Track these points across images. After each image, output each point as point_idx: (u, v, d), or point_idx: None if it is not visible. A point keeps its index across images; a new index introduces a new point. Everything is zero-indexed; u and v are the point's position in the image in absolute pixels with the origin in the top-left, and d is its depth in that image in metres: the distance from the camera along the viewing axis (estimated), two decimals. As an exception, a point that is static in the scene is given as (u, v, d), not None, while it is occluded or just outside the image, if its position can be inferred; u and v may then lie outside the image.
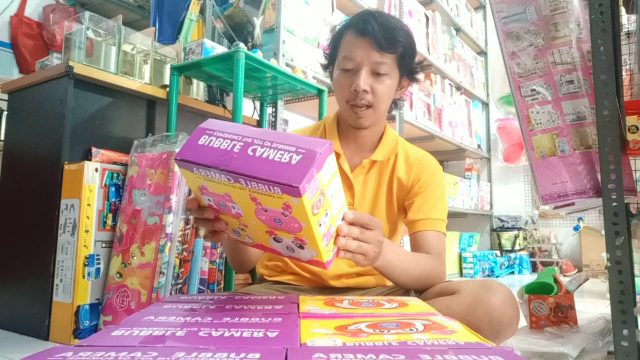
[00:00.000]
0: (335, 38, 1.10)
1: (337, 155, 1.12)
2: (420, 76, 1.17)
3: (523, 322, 1.37)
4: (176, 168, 1.55)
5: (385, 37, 1.00)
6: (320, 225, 0.63)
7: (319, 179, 0.59)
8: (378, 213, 1.12)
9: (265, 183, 0.58)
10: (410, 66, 1.09)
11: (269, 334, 0.56)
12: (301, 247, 0.67)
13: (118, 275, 1.55)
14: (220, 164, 0.61)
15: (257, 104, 2.34)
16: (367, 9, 1.12)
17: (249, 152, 0.61)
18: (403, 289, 1.05)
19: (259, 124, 2.32)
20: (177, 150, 1.57)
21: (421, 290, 1.02)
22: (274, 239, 0.70)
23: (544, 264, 4.17)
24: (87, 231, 1.56)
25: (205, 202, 0.71)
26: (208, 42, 1.94)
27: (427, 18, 3.58)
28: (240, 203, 0.65)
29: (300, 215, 0.60)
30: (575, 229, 4.09)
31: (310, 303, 0.75)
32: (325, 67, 1.17)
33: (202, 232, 1.60)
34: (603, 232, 1.13)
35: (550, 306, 1.47)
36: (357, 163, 1.13)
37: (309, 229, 0.62)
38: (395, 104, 1.16)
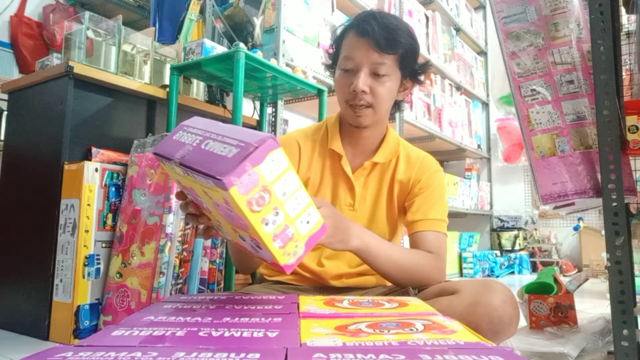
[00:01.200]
0: (337, 38, 1.10)
1: (339, 157, 1.12)
2: (424, 79, 1.17)
3: (523, 322, 1.37)
4: (176, 168, 1.55)
5: (386, 37, 1.00)
6: (266, 224, 0.61)
7: (257, 174, 0.58)
8: (379, 215, 1.12)
9: (202, 175, 0.59)
10: (412, 67, 1.09)
11: (269, 334, 0.56)
12: (259, 247, 0.65)
13: (118, 275, 1.55)
14: (175, 156, 0.64)
15: (257, 104, 2.34)
16: (369, 10, 1.12)
17: (202, 146, 0.63)
18: (398, 286, 1.04)
19: (259, 124, 2.32)
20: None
21: (418, 289, 1.01)
22: (240, 236, 0.69)
23: (544, 264, 4.17)
24: (87, 231, 1.56)
25: (188, 196, 0.73)
26: (208, 42, 1.94)
27: (427, 18, 3.58)
28: (203, 197, 0.67)
29: (239, 212, 0.59)
30: (575, 229, 4.09)
31: (310, 303, 0.75)
32: (328, 67, 1.17)
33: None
34: (603, 232, 1.13)
35: (550, 306, 1.47)
36: (358, 165, 1.13)
37: (253, 227, 0.60)
38: (398, 105, 1.16)
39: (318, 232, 0.68)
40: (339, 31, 1.11)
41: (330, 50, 1.14)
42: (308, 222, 0.66)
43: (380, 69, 1.02)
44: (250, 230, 0.61)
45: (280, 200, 0.62)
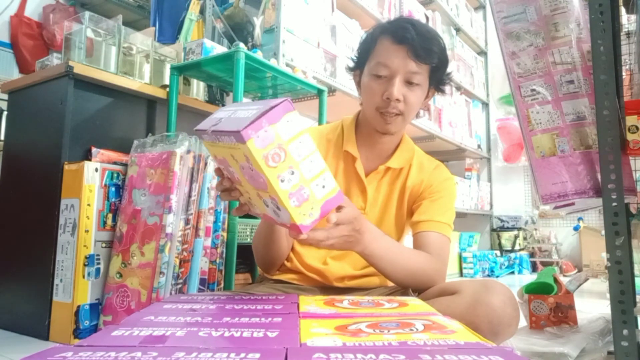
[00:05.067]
0: (368, 41, 1.08)
1: (353, 159, 1.12)
2: (447, 88, 1.16)
3: (523, 322, 1.37)
4: (176, 168, 1.55)
5: (423, 47, 1.00)
6: (282, 180, 0.65)
7: (273, 131, 0.63)
8: (388, 219, 1.13)
9: (227, 135, 0.65)
10: (440, 77, 1.09)
11: (269, 334, 0.56)
12: (278, 208, 0.69)
13: (118, 275, 1.55)
14: (210, 127, 0.69)
15: (257, 104, 2.34)
16: (404, 17, 1.12)
17: (231, 115, 0.69)
18: (401, 288, 1.04)
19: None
20: (177, 150, 1.58)
21: (418, 290, 1.01)
22: (264, 202, 0.72)
23: (544, 264, 4.17)
24: (87, 231, 1.56)
25: (223, 172, 0.79)
26: (208, 42, 1.94)
27: (427, 18, 3.58)
28: (232, 164, 0.72)
29: (257, 167, 0.64)
30: (575, 229, 4.09)
31: (310, 303, 0.75)
32: (350, 69, 1.15)
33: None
34: (603, 232, 1.13)
35: (550, 306, 1.47)
36: (372, 168, 1.13)
37: (270, 184, 0.64)
38: (417, 112, 1.16)
39: (334, 198, 0.71)
40: (369, 34, 1.09)
41: (356, 52, 1.12)
42: (324, 187, 0.69)
43: (414, 78, 1.02)
44: (269, 189, 0.65)
45: (295, 160, 0.66)
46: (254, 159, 0.63)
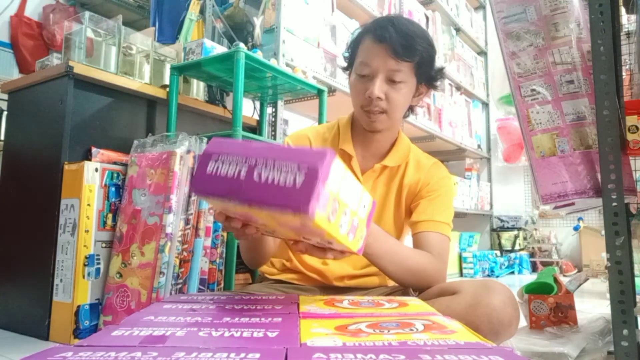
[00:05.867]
0: (353, 42, 1.10)
1: (349, 157, 1.12)
2: (439, 84, 1.16)
3: (523, 322, 1.37)
4: (176, 168, 1.55)
5: (403, 45, 1.00)
6: (341, 226, 0.64)
7: (327, 191, 0.60)
8: (386, 217, 1.13)
9: (277, 207, 0.59)
10: (428, 74, 1.09)
11: (269, 334, 0.56)
12: (330, 243, 0.70)
13: (118, 275, 1.55)
14: (230, 193, 0.62)
15: (257, 104, 2.34)
16: (387, 15, 1.13)
17: (255, 177, 0.61)
18: (402, 287, 1.04)
19: (259, 124, 2.32)
20: (177, 150, 1.58)
21: (419, 289, 1.01)
22: (304, 238, 0.72)
23: (544, 264, 4.17)
24: (87, 231, 1.56)
25: (232, 215, 0.72)
26: (208, 42, 1.94)
27: (427, 18, 3.58)
28: (263, 218, 0.67)
29: (319, 228, 0.61)
30: (575, 229, 4.09)
31: (310, 303, 0.75)
32: (345, 69, 1.17)
33: (202, 231, 1.60)
34: (603, 232, 1.13)
35: (550, 306, 1.47)
36: (368, 167, 1.13)
37: (330, 234, 0.63)
38: (412, 109, 1.16)
39: (372, 209, 0.75)
40: (355, 34, 1.11)
41: (345, 54, 1.14)
42: (364, 206, 0.71)
43: (396, 75, 1.02)
44: (327, 236, 0.64)
45: (345, 203, 0.65)
46: (317, 226, 0.59)
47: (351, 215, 0.67)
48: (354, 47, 1.09)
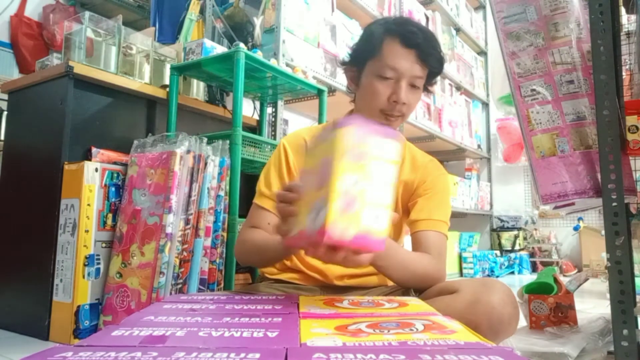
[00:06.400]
0: (371, 40, 1.06)
1: None
2: (434, 88, 1.17)
3: (523, 322, 1.37)
4: (176, 168, 1.55)
5: (429, 53, 1.02)
6: (344, 180, 0.62)
7: (370, 139, 0.64)
8: None
9: (329, 129, 0.67)
10: (432, 80, 1.11)
11: (269, 334, 0.56)
12: (319, 210, 0.65)
13: (118, 275, 1.55)
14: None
15: (257, 104, 2.34)
16: (407, 19, 1.11)
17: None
18: (403, 288, 1.05)
19: (259, 124, 2.32)
20: (177, 150, 1.57)
21: (420, 290, 1.02)
22: (313, 208, 0.68)
23: (544, 264, 4.17)
24: (87, 231, 1.56)
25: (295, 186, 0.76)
26: (208, 42, 1.94)
27: (427, 18, 3.58)
28: (315, 168, 0.70)
29: (337, 155, 0.62)
30: (575, 229, 4.09)
31: (310, 303, 0.75)
32: (345, 64, 1.13)
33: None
34: (603, 232, 1.13)
35: (550, 306, 1.47)
36: None
37: (334, 174, 0.62)
38: None
39: (374, 241, 0.65)
40: (371, 31, 1.08)
41: (353, 48, 1.12)
42: (375, 219, 0.65)
43: (417, 81, 1.04)
44: (330, 182, 0.62)
45: (368, 177, 0.64)
46: (339, 144, 0.62)
47: (359, 195, 0.64)
48: (370, 45, 1.05)
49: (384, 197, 0.65)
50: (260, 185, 1.11)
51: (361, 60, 1.08)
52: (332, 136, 0.65)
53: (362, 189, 0.63)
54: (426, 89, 1.13)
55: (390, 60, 1.02)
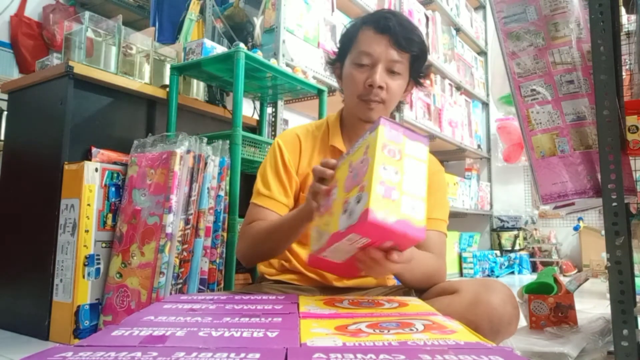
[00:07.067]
0: (349, 33, 1.10)
1: (340, 153, 1.11)
2: (426, 81, 1.17)
3: (523, 322, 1.37)
4: (176, 168, 1.55)
5: (404, 37, 1.02)
6: (384, 168, 0.67)
7: (402, 139, 0.71)
8: None
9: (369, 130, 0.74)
10: (419, 69, 1.11)
11: (269, 334, 0.56)
12: (359, 200, 0.66)
13: (118, 275, 1.55)
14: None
15: (257, 104, 2.34)
16: (384, 9, 1.13)
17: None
18: (404, 289, 1.05)
19: (259, 124, 2.32)
20: (177, 150, 1.58)
21: (421, 290, 1.02)
22: (344, 210, 0.70)
23: (544, 264, 4.17)
24: (87, 231, 1.56)
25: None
26: (208, 42, 1.94)
27: (427, 18, 3.58)
28: (339, 182, 0.77)
29: (372, 150, 0.68)
30: (575, 229, 4.09)
31: (310, 303, 0.75)
32: (331, 63, 1.16)
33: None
34: (603, 232, 1.13)
35: (550, 306, 1.47)
36: None
37: (372, 165, 0.67)
38: (398, 106, 1.17)
39: (415, 229, 0.66)
40: (350, 26, 1.11)
41: (332, 49, 1.14)
42: (413, 209, 0.67)
43: (395, 66, 1.04)
44: (367, 173, 0.67)
45: (404, 170, 0.69)
46: (374, 141, 0.69)
47: (398, 185, 0.67)
48: (349, 38, 1.09)
49: (420, 190, 0.69)
50: (258, 185, 1.10)
51: (342, 54, 1.11)
52: (368, 136, 0.72)
53: (400, 180, 0.67)
54: (417, 81, 1.13)
55: (364, 47, 1.04)
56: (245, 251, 1.09)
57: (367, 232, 0.66)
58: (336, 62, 1.14)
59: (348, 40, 1.09)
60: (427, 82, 1.19)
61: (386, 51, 1.02)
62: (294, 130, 1.18)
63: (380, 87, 1.03)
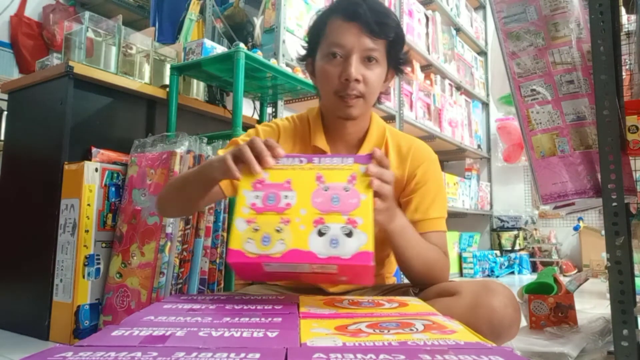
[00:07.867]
0: (317, 25, 1.01)
1: (323, 153, 1.05)
2: (407, 68, 1.09)
3: (523, 322, 1.37)
4: (176, 168, 1.55)
5: (377, 22, 0.94)
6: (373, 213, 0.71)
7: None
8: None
9: (339, 156, 0.74)
10: (397, 56, 1.03)
11: (269, 334, 0.56)
12: (349, 234, 0.67)
13: (118, 275, 1.55)
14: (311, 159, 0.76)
15: (257, 104, 2.34)
16: None
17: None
18: (403, 288, 1.03)
19: (259, 123, 2.31)
20: (177, 150, 1.57)
21: (424, 285, 0.99)
22: (319, 231, 0.68)
23: (544, 264, 4.17)
24: (87, 231, 1.56)
25: (249, 202, 0.73)
26: (208, 42, 1.93)
27: (427, 18, 3.58)
28: (299, 188, 0.72)
29: (363, 187, 0.69)
30: (575, 229, 4.09)
31: (310, 303, 0.75)
32: (301, 59, 1.08)
33: (201, 231, 1.60)
34: (603, 232, 1.13)
35: (550, 306, 1.47)
36: None
37: (367, 203, 0.68)
38: (378, 98, 1.08)
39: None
40: (317, 17, 1.03)
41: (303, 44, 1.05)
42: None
43: (371, 55, 0.95)
44: (360, 209, 0.69)
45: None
46: (366, 179, 0.72)
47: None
48: (318, 29, 1.00)
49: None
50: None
51: (313, 49, 1.03)
52: (352, 164, 0.74)
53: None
54: (397, 68, 1.05)
55: (335, 37, 0.95)
56: (159, 197, 1.04)
57: (353, 271, 0.68)
58: (307, 58, 1.05)
59: (317, 32, 1.00)
60: (408, 68, 1.11)
61: (359, 40, 0.93)
62: (275, 121, 1.12)
63: (357, 80, 0.94)
